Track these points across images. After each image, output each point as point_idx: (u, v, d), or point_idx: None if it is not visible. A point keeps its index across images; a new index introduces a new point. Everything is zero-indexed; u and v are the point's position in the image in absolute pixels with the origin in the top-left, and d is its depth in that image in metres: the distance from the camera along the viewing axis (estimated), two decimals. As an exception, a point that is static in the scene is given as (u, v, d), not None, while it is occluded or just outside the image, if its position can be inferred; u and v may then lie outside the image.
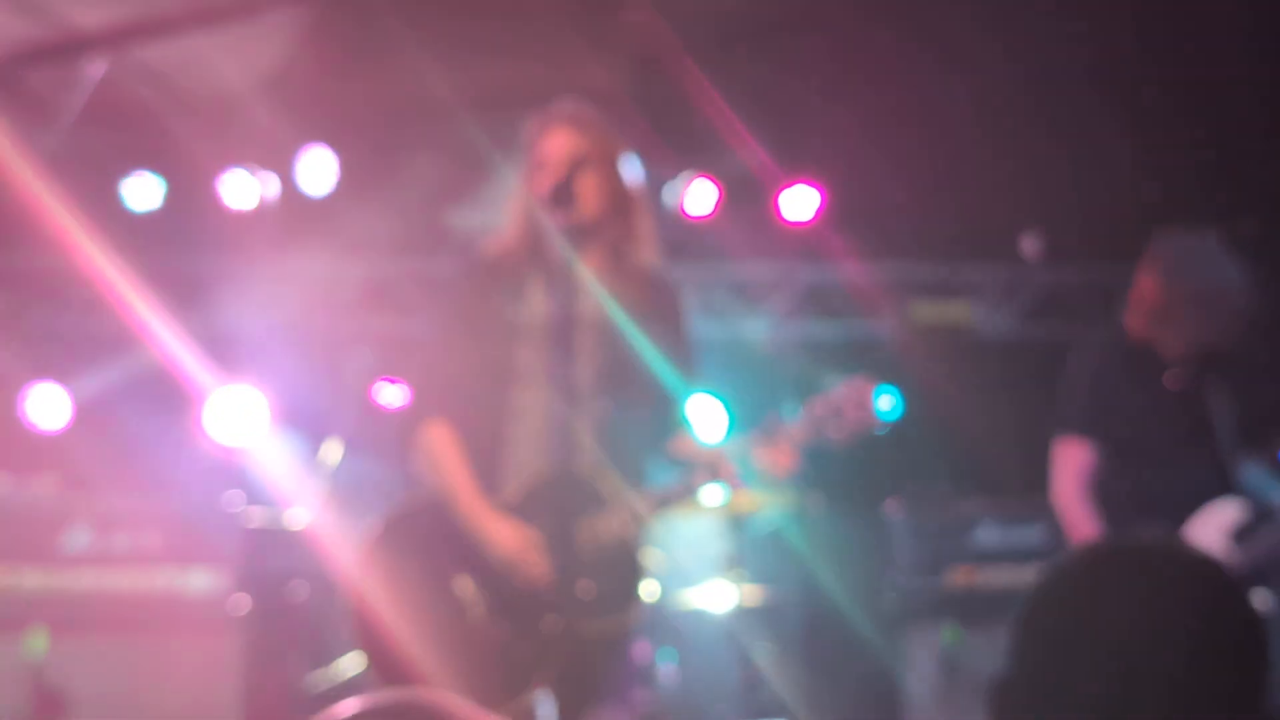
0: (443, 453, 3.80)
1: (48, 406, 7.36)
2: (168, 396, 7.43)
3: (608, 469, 3.75)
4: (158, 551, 6.24)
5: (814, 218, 7.69)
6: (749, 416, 4.92)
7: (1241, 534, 4.42)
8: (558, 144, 3.92)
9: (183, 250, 7.74)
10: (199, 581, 6.24)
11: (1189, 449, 4.60)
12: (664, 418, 3.92)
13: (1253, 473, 4.62)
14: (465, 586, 3.71)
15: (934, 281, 8.18)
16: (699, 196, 7.70)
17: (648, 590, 3.73)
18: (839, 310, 8.18)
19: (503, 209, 4.04)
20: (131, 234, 7.56)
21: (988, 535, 6.28)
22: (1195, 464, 4.59)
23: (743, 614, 6.26)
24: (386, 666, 3.68)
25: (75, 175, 7.13)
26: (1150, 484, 4.56)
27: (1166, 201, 7.45)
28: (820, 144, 7.58)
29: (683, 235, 7.51)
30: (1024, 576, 6.22)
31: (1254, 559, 4.40)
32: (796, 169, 7.74)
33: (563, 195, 3.80)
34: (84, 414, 7.48)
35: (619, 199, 3.93)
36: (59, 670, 6.02)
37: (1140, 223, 7.59)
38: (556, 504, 3.71)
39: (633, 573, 3.72)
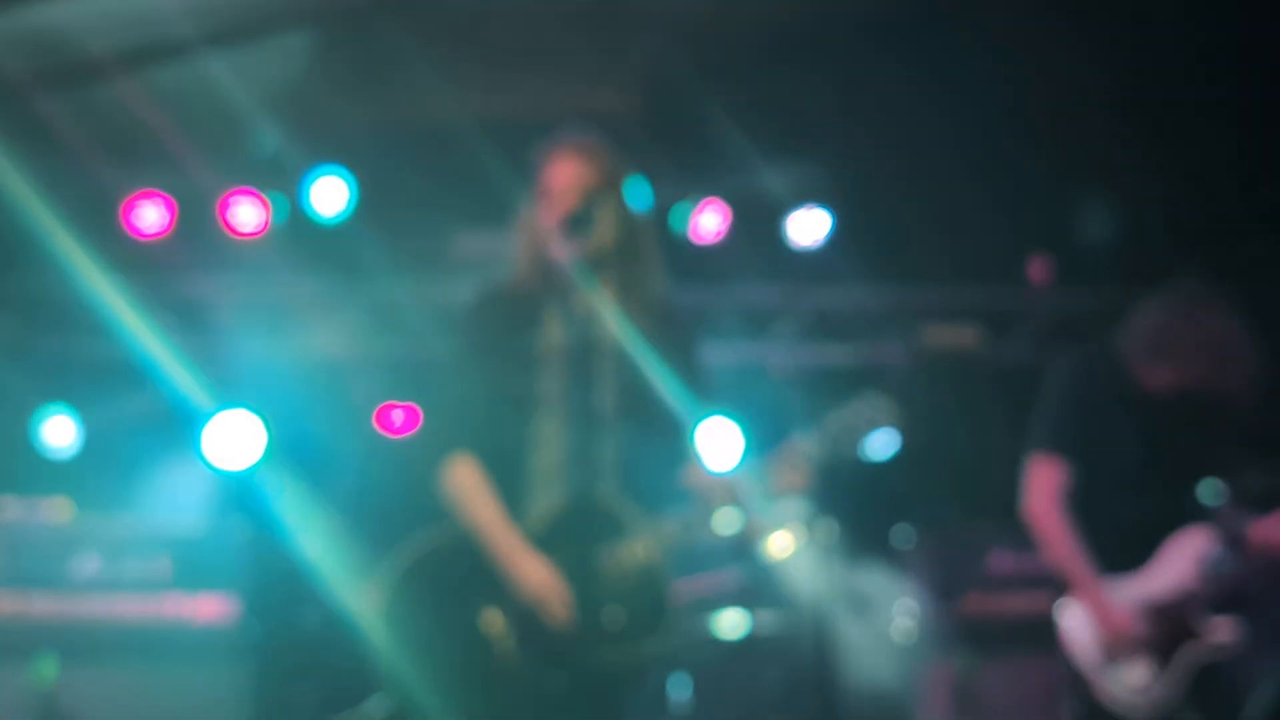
0: (471, 488, 3.79)
1: (59, 432, 7.35)
2: (177, 421, 7.43)
3: (628, 496, 3.73)
4: (167, 578, 6.23)
5: (823, 241, 7.70)
6: (759, 440, 4.93)
7: (1210, 563, 4.44)
8: (566, 173, 3.90)
9: (189, 274, 7.73)
10: (209, 608, 6.22)
11: (1162, 475, 4.61)
12: (680, 445, 3.89)
13: (1222, 502, 4.66)
14: (494, 621, 3.68)
15: (943, 306, 8.16)
16: (708, 220, 7.70)
17: (674, 616, 3.70)
18: (848, 334, 8.17)
19: (511, 238, 4.02)
20: (138, 258, 7.57)
21: (1000, 562, 6.26)
22: (1167, 490, 4.61)
23: (755, 641, 6.25)
24: (414, 705, 3.67)
25: (81, 199, 7.14)
26: (1122, 508, 4.58)
27: (1178, 227, 7.46)
28: (829, 167, 7.59)
29: (691, 258, 7.51)
30: (1037, 603, 6.21)
31: (1222, 588, 4.43)
32: (806, 192, 7.74)
33: (575, 225, 3.78)
34: (93, 439, 7.48)
35: (629, 228, 3.91)
36: (69, 697, 6.00)
37: (1151, 248, 7.63)
38: (579, 533, 3.69)
39: (658, 599, 3.68)
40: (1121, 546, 4.55)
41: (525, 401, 3.82)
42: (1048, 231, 7.73)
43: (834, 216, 7.77)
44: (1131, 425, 4.64)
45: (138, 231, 7.37)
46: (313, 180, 7.45)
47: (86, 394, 7.41)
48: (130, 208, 7.36)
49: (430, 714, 3.67)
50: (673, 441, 3.85)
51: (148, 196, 7.39)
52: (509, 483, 3.79)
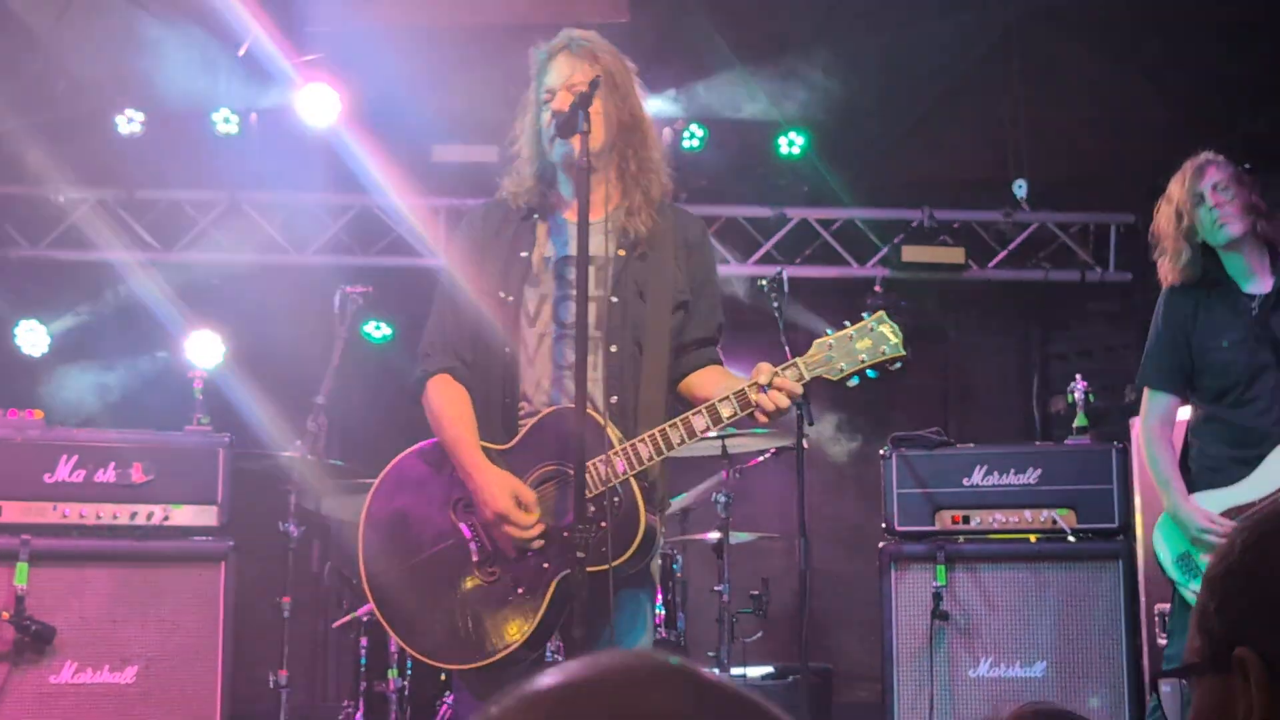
0: (443, 407, 3.85)
1: (31, 339, 7.30)
2: (151, 332, 7.39)
3: (615, 410, 3.75)
4: (145, 486, 6.19)
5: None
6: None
7: None
8: (564, 72, 3.85)
9: (169, 180, 7.67)
10: (185, 517, 6.20)
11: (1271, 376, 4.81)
12: (675, 358, 3.89)
13: None
14: (465, 532, 3.79)
15: (927, 226, 8.16)
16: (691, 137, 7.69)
17: (649, 535, 3.72)
18: (833, 253, 8.17)
19: (514, 144, 3.97)
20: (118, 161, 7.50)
21: (980, 480, 6.28)
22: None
23: (730, 552, 6.25)
24: (388, 610, 3.84)
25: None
26: (1237, 418, 4.83)
27: (1152, 148, 7.47)
28: (813, 91, 7.54)
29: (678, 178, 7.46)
30: (1014, 523, 6.24)
31: None
32: (787, 114, 7.71)
33: (571, 123, 3.70)
34: (64, 349, 7.42)
35: (629, 126, 3.87)
36: (42, 603, 5.98)
37: (1126, 169, 7.66)
38: (558, 446, 3.70)
39: (632, 516, 3.69)
40: (1240, 454, 4.80)
41: (518, 312, 3.83)
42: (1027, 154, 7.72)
43: (809, 137, 7.76)
44: (1238, 330, 4.86)
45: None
46: (304, 89, 7.37)
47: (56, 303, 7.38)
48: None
49: (403, 616, 3.82)
50: (667, 354, 3.83)
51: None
52: (501, 393, 3.83)
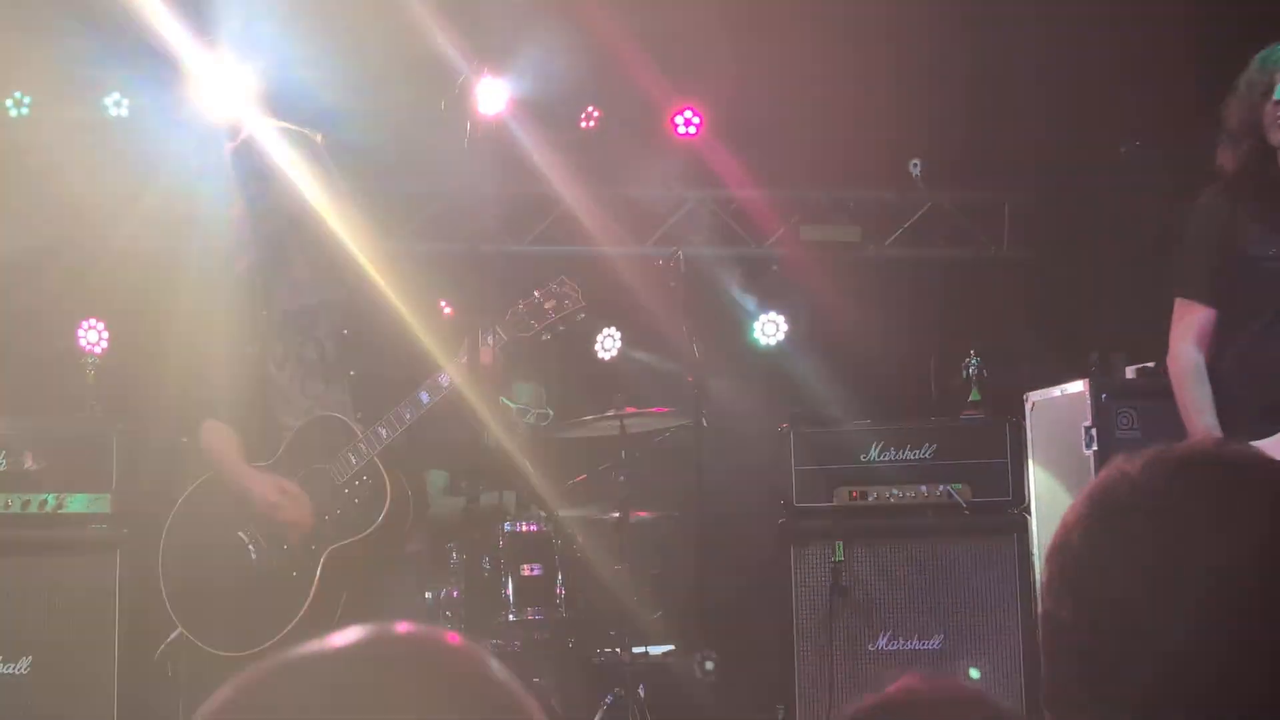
0: (213, 443, 4.59)
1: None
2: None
3: (357, 417, 4.45)
4: (38, 474, 6.10)
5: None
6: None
7: None
8: None
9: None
10: (79, 505, 6.11)
11: None
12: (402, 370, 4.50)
13: None
14: (243, 538, 4.48)
15: (825, 204, 8.22)
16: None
17: (397, 505, 4.39)
18: (731, 233, 8.20)
19: None
20: None
21: (877, 456, 6.35)
22: None
23: (630, 531, 6.27)
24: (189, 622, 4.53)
25: None
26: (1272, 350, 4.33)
27: (1052, 130, 7.57)
28: (709, 69, 7.56)
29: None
30: (910, 497, 6.31)
31: None
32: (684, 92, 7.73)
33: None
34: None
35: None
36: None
37: (1023, 150, 7.75)
38: (310, 453, 4.46)
39: (382, 486, 4.36)
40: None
41: (267, 360, 4.56)
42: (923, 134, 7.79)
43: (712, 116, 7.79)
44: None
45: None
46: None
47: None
48: None
49: (202, 624, 4.48)
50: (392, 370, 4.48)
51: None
52: (260, 423, 4.58)
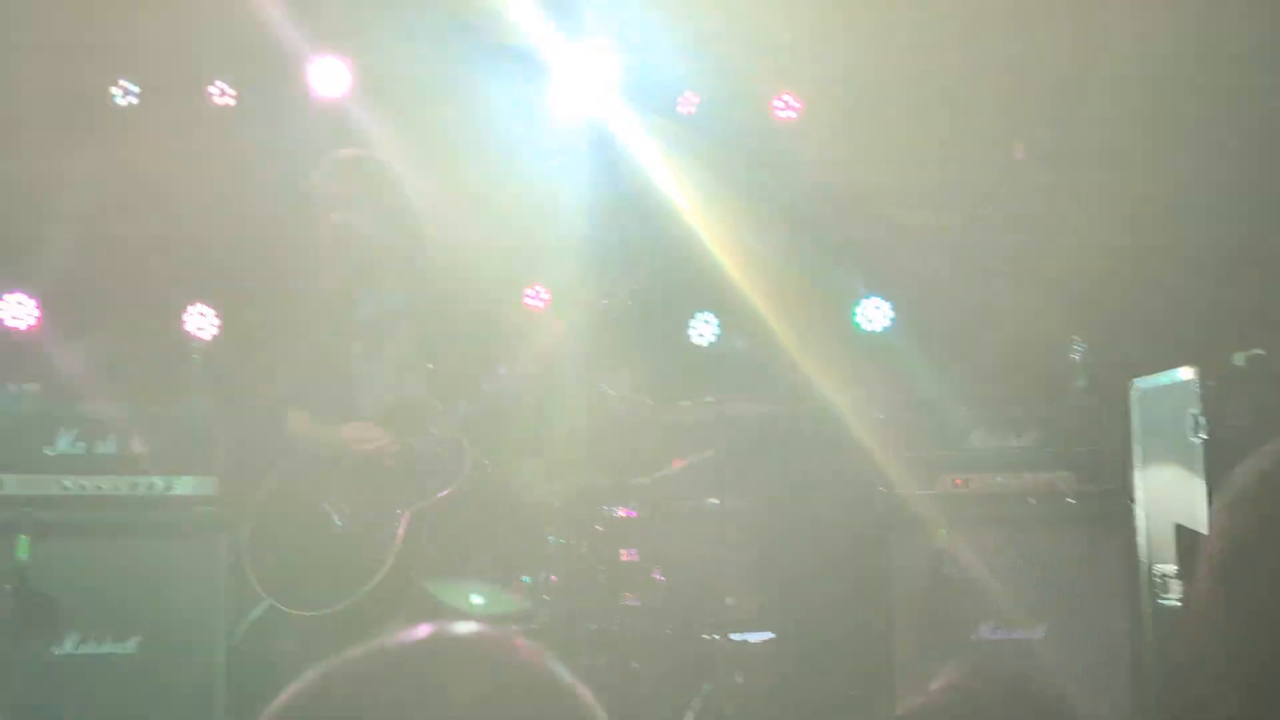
0: (297, 427, 5.04)
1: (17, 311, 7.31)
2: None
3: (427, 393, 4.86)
4: (145, 458, 6.21)
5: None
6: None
7: None
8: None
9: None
10: (185, 487, 6.21)
11: None
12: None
13: None
14: (327, 509, 4.87)
15: (926, 187, 8.12)
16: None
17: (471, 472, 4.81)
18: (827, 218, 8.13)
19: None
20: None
21: (980, 442, 6.28)
22: None
23: (725, 519, 6.25)
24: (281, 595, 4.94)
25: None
26: None
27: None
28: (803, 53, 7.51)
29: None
30: (1014, 485, 6.23)
31: None
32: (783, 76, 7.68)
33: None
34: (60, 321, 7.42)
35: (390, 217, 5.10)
36: (46, 577, 6.01)
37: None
38: (398, 424, 4.85)
39: (452, 461, 4.75)
40: None
41: (350, 358, 5.03)
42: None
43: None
44: None
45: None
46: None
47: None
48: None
49: (291, 593, 4.87)
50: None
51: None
52: (344, 415, 4.97)
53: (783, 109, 7.80)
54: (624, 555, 5.95)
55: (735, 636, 6.08)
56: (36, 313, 7.42)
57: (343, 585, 4.73)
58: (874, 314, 7.93)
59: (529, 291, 8.33)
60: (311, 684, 1.18)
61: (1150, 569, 6.13)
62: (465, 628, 1.21)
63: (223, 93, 7.63)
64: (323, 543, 4.84)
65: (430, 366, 4.90)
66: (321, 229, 5.10)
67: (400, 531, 4.74)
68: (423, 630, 1.20)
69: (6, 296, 7.38)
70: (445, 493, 4.75)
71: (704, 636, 6.16)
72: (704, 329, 8.21)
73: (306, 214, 5.17)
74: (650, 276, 7.84)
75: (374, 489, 4.79)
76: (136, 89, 7.47)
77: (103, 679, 6.02)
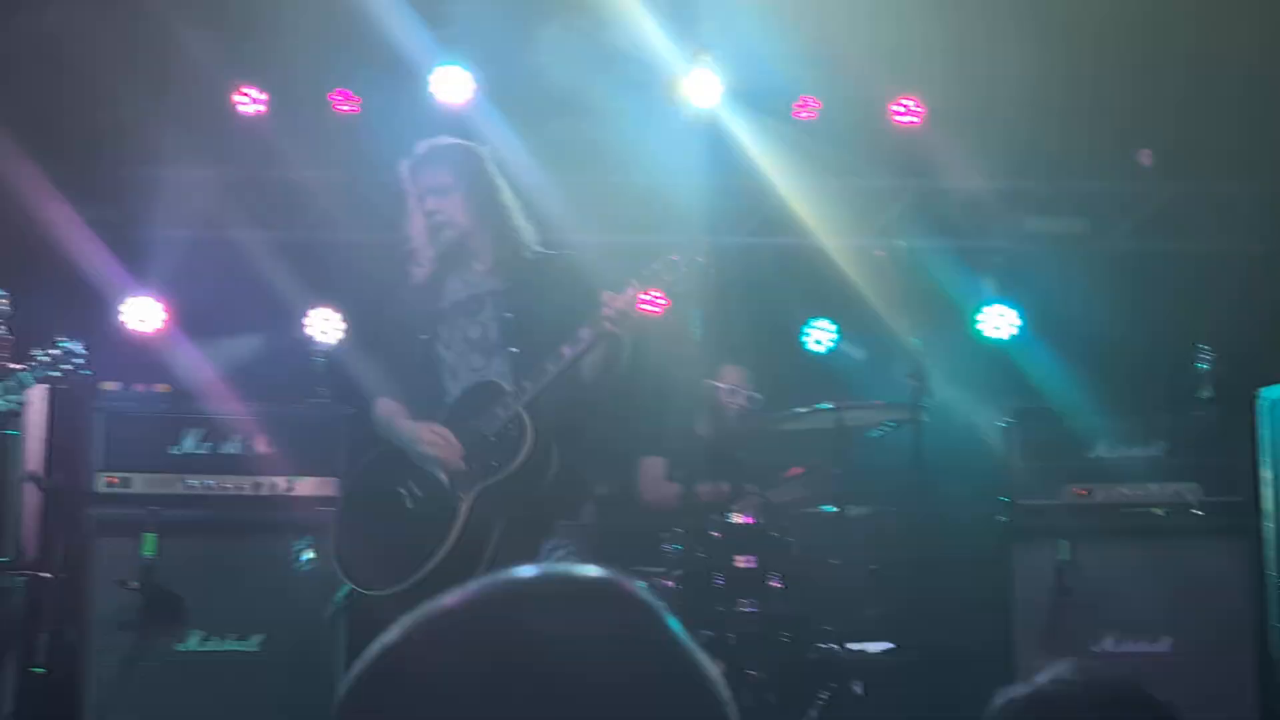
0: (380, 413, 5.08)
1: (145, 314, 7.45)
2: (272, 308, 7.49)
3: (514, 382, 4.86)
4: (268, 458, 6.31)
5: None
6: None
7: None
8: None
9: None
10: (307, 488, 6.30)
11: None
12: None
13: None
14: (401, 492, 4.94)
15: (1050, 195, 8.01)
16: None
17: (536, 453, 4.80)
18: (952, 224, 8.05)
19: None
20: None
21: (1105, 452, 6.18)
22: None
23: (843, 526, 6.20)
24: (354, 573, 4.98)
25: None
26: None
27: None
28: (930, 56, 7.43)
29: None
30: (1139, 496, 6.13)
31: None
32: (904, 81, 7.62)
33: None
34: (187, 324, 7.55)
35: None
36: (170, 573, 6.12)
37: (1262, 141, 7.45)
38: (470, 410, 4.90)
39: (522, 433, 4.79)
40: None
41: (436, 343, 5.03)
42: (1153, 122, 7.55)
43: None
44: None
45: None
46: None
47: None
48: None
49: (363, 572, 4.92)
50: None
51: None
52: (429, 397, 5.00)
53: (903, 114, 7.74)
54: (740, 562, 5.92)
55: (853, 646, 6.02)
56: (163, 315, 7.56)
57: (407, 566, 4.79)
58: (1000, 321, 7.81)
59: (645, 296, 8.35)
60: (405, 632, 1.14)
61: (1278, 583, 6.01)
62: (584, 570, 1.15)
63: (346, 99, 7.73)
64: (394, 524, 4.91)
65: (514, 350, 4.92)
66: (414, 216, 5.12)
67: (463, 511, 4.79)
68: (528, 572, 1.14)
69: (134, 299, 7.53)
70: (507, 471, 4.78)
71: (821, 645, 6.12)
72: (821, 335, 8.17)
73: (401, 203, 5.17)
74: (765, 281, 7.84)
75: (441, 464, 4.93)
76: (264, 96, 7.59)
77: (226, 676, 6.12)
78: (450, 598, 1.15)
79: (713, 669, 1.15)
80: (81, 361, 5.37)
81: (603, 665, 1.11)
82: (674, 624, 1.16)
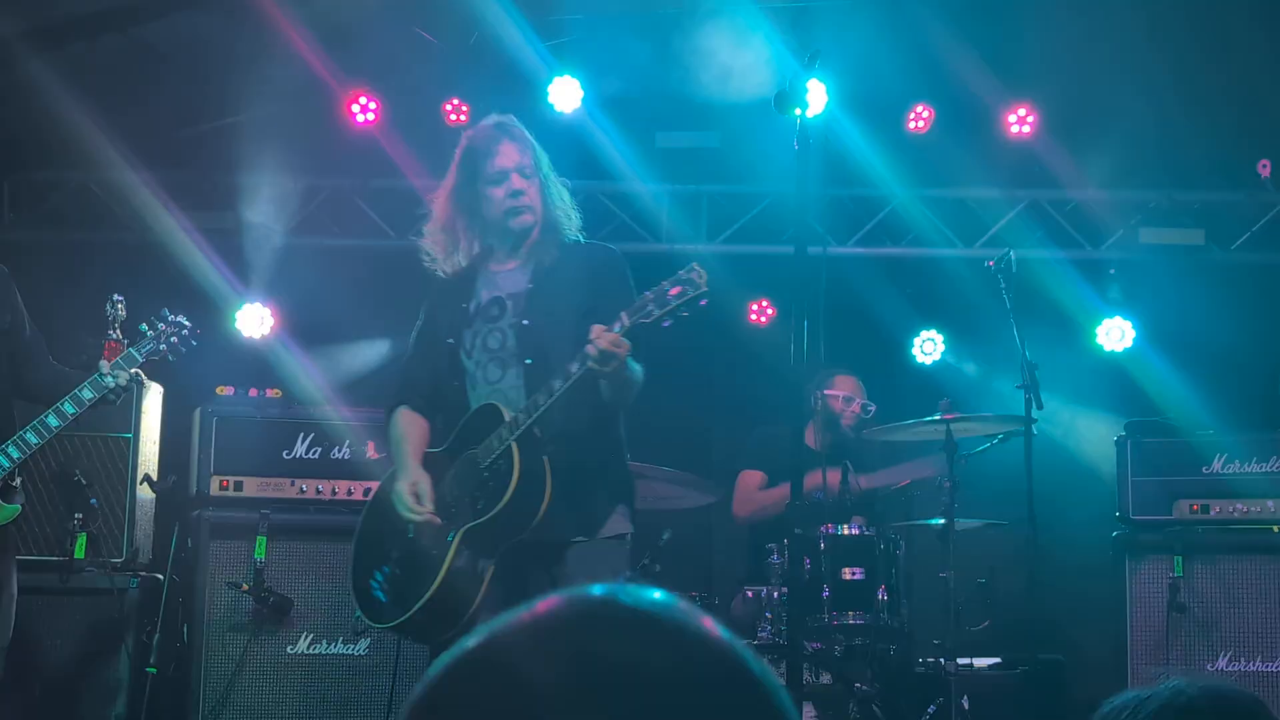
0: (392, 431, 4.86)
1: (257, 320, 7.55)
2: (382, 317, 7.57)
3: (529, 399, 4.54)
4: (378, 463, 6.36)
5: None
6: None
7: None
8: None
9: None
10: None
11: None
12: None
13: None
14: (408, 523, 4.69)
15: (1166, 206, 7.88)
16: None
17: (523, 495, 4.46)
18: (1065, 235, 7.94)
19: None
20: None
21: (1220, 468, 6.06)
22: None
23: (955, 539, 6.12)
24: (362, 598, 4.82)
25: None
26: None
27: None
28: (1044, 64, 7.34)
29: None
30: (1256, 512, 5.99)
31: None
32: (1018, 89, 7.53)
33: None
34: (299, 331, 7.66)
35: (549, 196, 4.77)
36: (280, 575, 6.20)
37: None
38: (468, 437, 4.63)
39: (509, 470, 4.47)
40: None
41: (459, 349, 4.76)
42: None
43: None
44: None
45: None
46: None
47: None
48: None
49: (368, 596, 4.77)
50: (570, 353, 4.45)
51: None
52: (456, 408, 4.74)
53: (1017, 123, 7.65)
54: (848, 574, 5.88)
55: (961, 660, 5.94)
56: (272, 322, 7.66)
57: (401, 601, 4.62)
58: (1116, 333, 7.69)
59: (754, 306, 8.33)
60: (472, 651, 1.15)
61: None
62: (646, 594, 1.14)
63: (456, 109, 7.80)
64: (399, 554, 4.70)
65: (528, 362, 4.62)
66: (445, 210, 4.82)
67: (450, 553, 4.53)
68: (596, 594, 1.14)
69: (248, 307, 7.64)
70: (487, 518, 4.47)
71: (928, 659, 6.05)
72: (929, 347, 8.09)
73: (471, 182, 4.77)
74: (872, 293, 7.78)
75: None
76: (373, 105, 7.68)
77: (334, 678, 6.18)
78: (525, 611, 1.16)
79: (787, 700, 1.13)
80: (187, 333, 5.24)
81: (663, 694, 1.10)
82: (744, 653, 1.14)
